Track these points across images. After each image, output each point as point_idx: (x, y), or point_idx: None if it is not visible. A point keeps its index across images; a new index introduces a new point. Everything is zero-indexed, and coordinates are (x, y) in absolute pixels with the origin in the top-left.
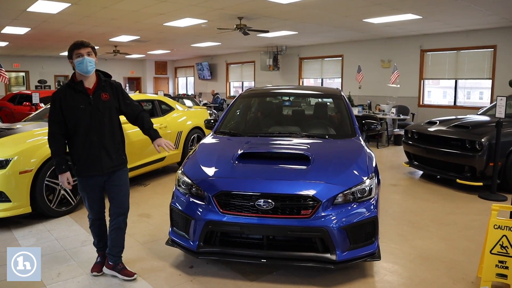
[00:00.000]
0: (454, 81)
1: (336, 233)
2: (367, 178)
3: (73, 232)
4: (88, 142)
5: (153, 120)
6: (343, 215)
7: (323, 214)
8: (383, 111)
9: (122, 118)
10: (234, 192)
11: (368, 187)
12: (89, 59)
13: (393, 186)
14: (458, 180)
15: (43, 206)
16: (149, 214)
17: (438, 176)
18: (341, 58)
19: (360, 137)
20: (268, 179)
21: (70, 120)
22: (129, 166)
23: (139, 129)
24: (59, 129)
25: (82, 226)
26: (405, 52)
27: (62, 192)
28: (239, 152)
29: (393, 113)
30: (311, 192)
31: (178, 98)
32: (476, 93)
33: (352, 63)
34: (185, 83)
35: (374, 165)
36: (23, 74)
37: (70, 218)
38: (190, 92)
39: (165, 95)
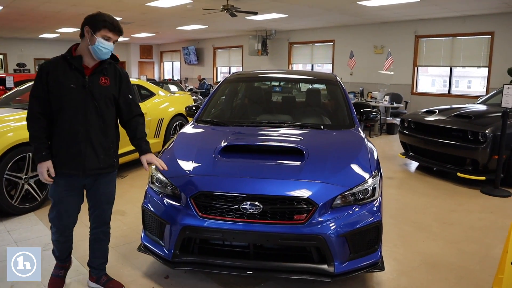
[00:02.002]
0: (444, 68)
1: (335, 242)
2: (370, 177)
3: (36, 233)
4: (72, 132)
5: None
6: (343, 220)
7: (319, 219)
8: (375, 98)
9: None
10: (215, 193)
11: (371, 187)
12: (113, 47)
13: (389, 179)
14: (459, 174)
15: (3, 203)
16: (124, 211)
17: (435, 168)
18: (332, 43)
19: (359, 128)
20: (256, 178)
21: (54, 100)
22: None
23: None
24: (40, 107)
25: (47, 226)
26: (399, 37)
27: (26, 186)
28: (222, 144)
29: (386, 101)
30: (305, 194)
31: (163, 83)
32: (464, 81)
33: (344, 48)
34: (171, 68)
35: (376, 160)
36: (0, 57)
37: (35, 216)
38: (176, 77)
39: (148, 80)
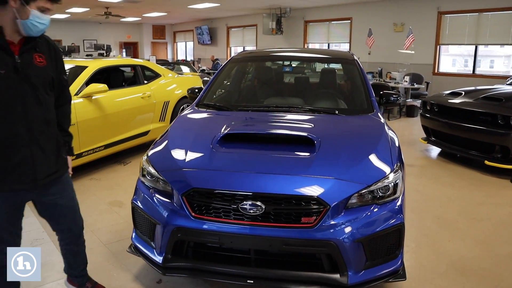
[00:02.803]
0: (466, 47)
1: (349, 248)
2: (391, 171)
3: (26, 227)
4: (10, 135)
5: (135, 88)
6: (359, 223)
7: (331, 222)
8: (395, 79)
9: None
10: (209, 191)
11: (392, 183)
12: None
13: (409, 166)
14: (486, 162)
15: None
16: (121, 203)
17: (458, 155)
18: (349, 21)
19: (378, 113)
20: (257, 173)
21: None
22: (107, 141)
23: (121, 98)
24: None
25: (38, 218)
26: (420, 14)
27: None
28: (222, 133)
29: (406, 81)
30: (315, 192)
31: (174, 64)
32: (487, 61)
33: (361, 26)
34: (185, 49)
35: (398, 151)
36: None
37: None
38: (190, 58)
39: (159, 61)
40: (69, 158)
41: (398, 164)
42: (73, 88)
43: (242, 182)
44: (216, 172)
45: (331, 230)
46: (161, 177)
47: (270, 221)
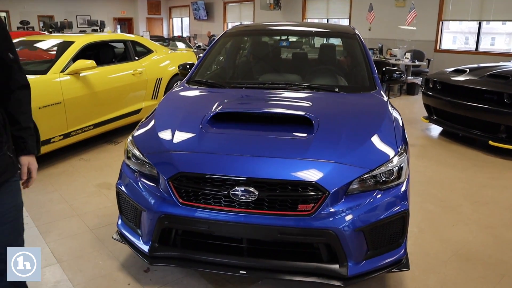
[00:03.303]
0: (467, 24)
1: (349, 237)
2: (396, 154)
3: None
4: None
5: (126, 65)
6: (361, 211)
7: (331, 210)
8: (395, 56)
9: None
10: (198, 175)
11: (396, 167)
12: None
13: (409, 146)
14: (491, 142)
15: None
16: (110, 184)
17: (460, 135)
18: None
19: (381, 91)
20: (250, 156)
21: None
22: (97, 120)
23: (110, 75)
24: None
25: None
26: None
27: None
28: (212, 112)
29: (407, 58)
30: (313, 177)
31: (169, 40)
32: (487, 39)
33: (362, 1)
34: (180, 25)
35: (402, 132)
36: (3, 14)
37: None
38: (186, 34)
39: (153, 37)
40: (28, 158)
41: (403, 146)
42: (59, 64)
43: (233, 166)
44: (205, 155)
45: (330, 219)
46: (146, 160)
47: (264, 209)
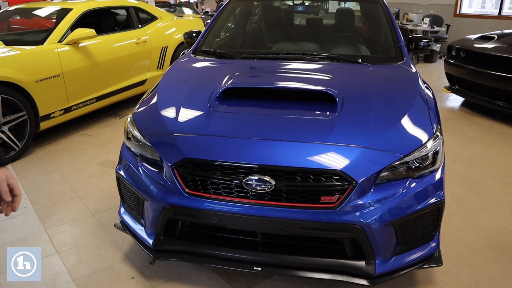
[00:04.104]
0: None
1: (378, 233)
2: (430, 138)
3: None
4: None
5: (129, 33)
6: (391, 203)
7: (358, 202)
8: (412, 21)
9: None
10: (206, 162)
11: (431, 152)
12: None
13: None
14: None
15: None
16: (114, 163)
17: (485, 105)
18: None
19: (410, 63)
20: (265, 139)
21: None
22: (99, 93)
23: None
24: None
25: (23, 181)
26: None
27: (0, 135)
28: (221, 87)
29: (425, 23)
30: (338, 165)
31: (175, 6)
32: (506, 1)
33: None
34: None
35: (436, 111)
36: None
37: (12, 170)
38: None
39: (158, 3)
40: (3, 171)
41: (438, 128)
42: (57, 34)
43: (246, 152)
44: (213, 138)
45: (357, 213)
46: (147, 144)
47: (281, 201)
